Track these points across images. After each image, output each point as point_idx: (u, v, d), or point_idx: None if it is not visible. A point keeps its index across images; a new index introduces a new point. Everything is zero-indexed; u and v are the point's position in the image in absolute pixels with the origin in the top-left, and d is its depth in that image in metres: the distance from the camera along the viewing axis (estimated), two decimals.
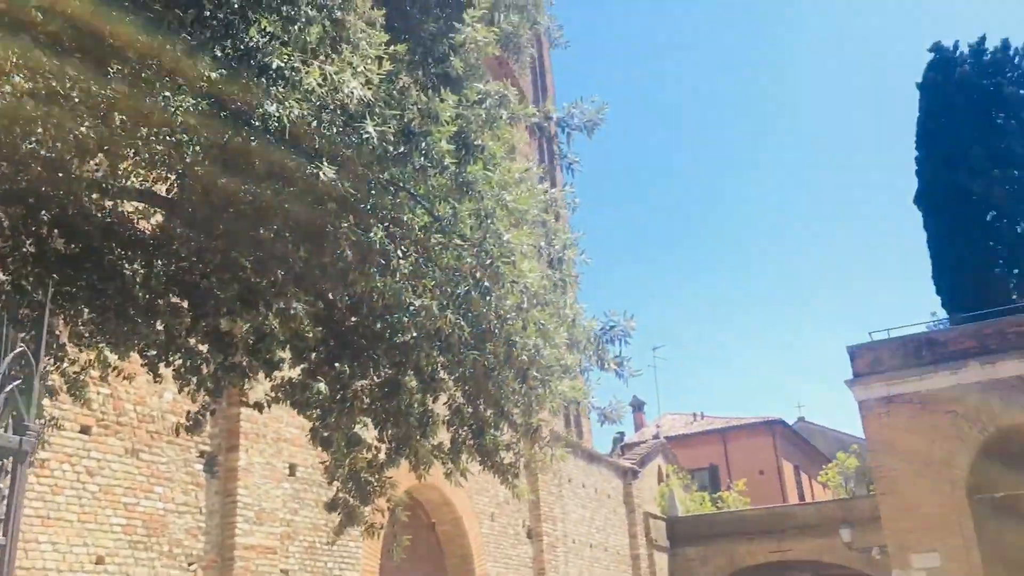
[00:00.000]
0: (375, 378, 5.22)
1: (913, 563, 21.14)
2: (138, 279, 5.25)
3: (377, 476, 6.40)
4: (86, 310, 5.36)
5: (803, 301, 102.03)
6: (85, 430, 9.42)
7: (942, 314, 28.47)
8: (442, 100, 5.00)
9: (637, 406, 53.41)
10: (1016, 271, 27.46)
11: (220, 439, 11.10)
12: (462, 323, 4.86)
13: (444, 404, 5.70)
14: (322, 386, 5.61)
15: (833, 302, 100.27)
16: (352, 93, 4.53)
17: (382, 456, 6.11)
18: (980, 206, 27.95)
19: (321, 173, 4.49)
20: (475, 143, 4.96)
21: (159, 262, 5.28)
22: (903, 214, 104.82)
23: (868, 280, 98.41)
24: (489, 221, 5.03)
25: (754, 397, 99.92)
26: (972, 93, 28.32)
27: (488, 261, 4.69)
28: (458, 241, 4.73)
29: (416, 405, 5.41)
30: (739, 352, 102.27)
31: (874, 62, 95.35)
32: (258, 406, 5.96)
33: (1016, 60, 28.83)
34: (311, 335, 5.47)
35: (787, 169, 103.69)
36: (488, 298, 4.71)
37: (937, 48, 29.67)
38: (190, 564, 10.43)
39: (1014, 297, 26.66)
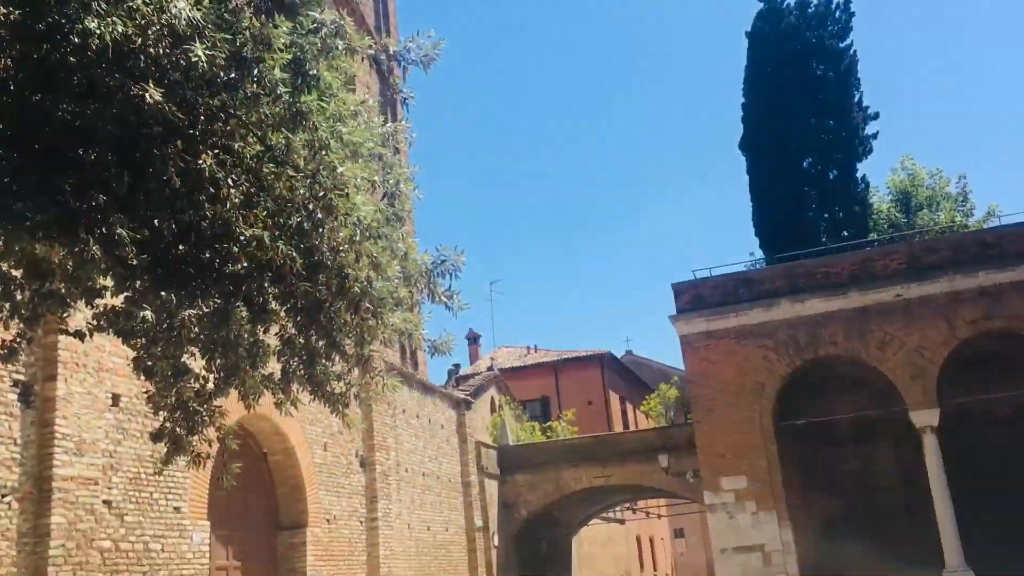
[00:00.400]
0: (204, 308, 5.14)
1: (723, 485, 22.75)
2: None
3: (205, 406, 6.34)
4: None
5: (634, 240, 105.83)
6: None
7: (761, 255, 30.34)
8: (276, 26, 4.91)
9: (473, 339, 54.31)
10: (827, 215, 29.46)
11: (36, 368, 10.60)
12: (294, 254, 4.86)
13: (275, 335, 5.70)
14: (148, 314, 5.47)
15: (663, 241, 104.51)
16: (180, 13, 4.39)
17: (210, 386, 6.05)
18: (798, 153, 29.66)
19: (147, 95, 4.35)
20: (310, 72, 4.90)
21: None
22: (733, 159, 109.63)
23: (696, 220, 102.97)
24: (323, 152, 5.01)
25: (586, 332, 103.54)
26: (796, 44, 29.82)
27: (321, 193, 4.69)
28: (291, 172, 4.70)
29: (246, 335, 5.38)
30: (573, 289, 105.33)
31: (709, 10, 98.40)
32: (79, 334, 5.76)
33: (837, 14, 30.48)
34: (135, 263, 5.32)
35: (624, 110, 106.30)
36: (320, 230, 4.73)
37: None
38: (3, 496, 10.01)
39: (824, 240, 28.62)
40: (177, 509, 12.72)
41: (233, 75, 4.93)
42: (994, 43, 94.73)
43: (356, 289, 4.92)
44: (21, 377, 10.39)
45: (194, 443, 6.26)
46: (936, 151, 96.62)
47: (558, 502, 29.05)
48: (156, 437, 6.35)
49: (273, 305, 5.20)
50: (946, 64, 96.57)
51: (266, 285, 4.90)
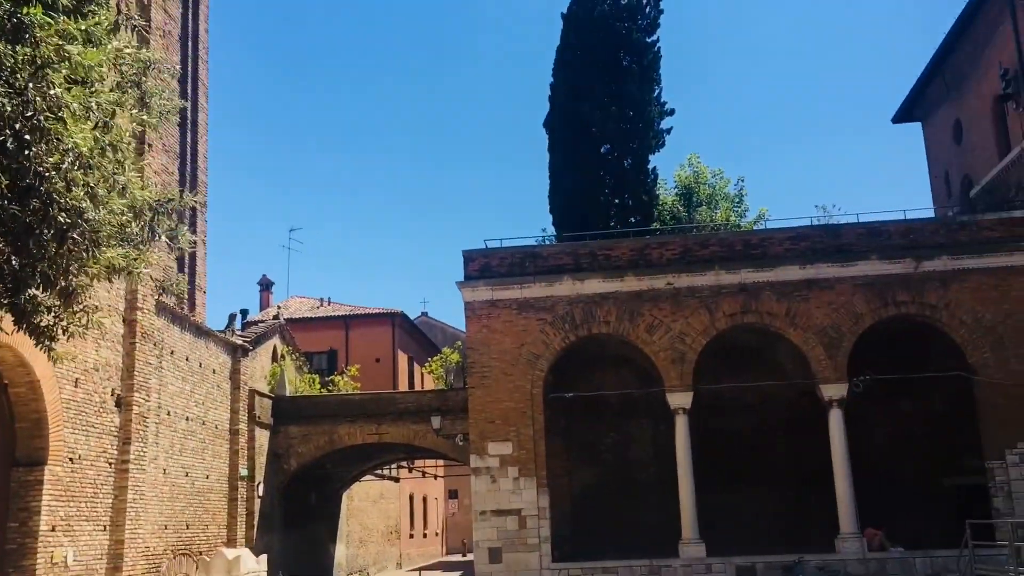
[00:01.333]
0: None
1: (489, 450, 23.44)
2: None
3: None
4: None
5: (442, 207, 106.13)
6: None
7: (553, 232, 31.28)
8: None
9: (265, 286, 52.97)
10: (617, 201, 30.74)
11: None
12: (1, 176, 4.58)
13: None
14: None
15: (466, 209, 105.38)
16: None
17: None
18: (598, 139, 30.71)
19: None
20: None
21: None
22: (539, 136, 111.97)
23: (500, 191, 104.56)
24: (45, 71, 4.73)
25: (383, 290, 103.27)
26: (606, 33, 30.77)
27: (30, 113, 4.43)
28: (2, 87, 4.42)
29: None
30: (375, 245, 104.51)
31: None
32: None
33: (647, 9, 31.68)
34: None
35: (440, 76, 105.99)
36: (27, 152, 4.47)
37: None
38: None
39: (613, 224, 29.89)
40: None
41: None
42: (784, 54, 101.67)
43: (60, 218, 4.70)
44: None
45: None
46: (720, 152, 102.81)
47: (331, 456, 28.95)
48: None
49: None
50: (738, 70, 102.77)
51: None
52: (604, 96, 30.22)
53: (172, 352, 20.85)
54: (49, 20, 4.72)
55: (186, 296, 24.40)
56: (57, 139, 4.54)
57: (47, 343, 5.71)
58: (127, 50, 5.62)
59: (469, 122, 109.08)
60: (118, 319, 17.99)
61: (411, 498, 49.57)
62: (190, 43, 25.47)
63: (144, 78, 7.56)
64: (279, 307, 42.35)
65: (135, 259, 5.70)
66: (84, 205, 4.82)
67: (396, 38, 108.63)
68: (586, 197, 30.00)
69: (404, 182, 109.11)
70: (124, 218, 5.16)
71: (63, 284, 5.37)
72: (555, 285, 23.95)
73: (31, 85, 4.39)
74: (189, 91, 25.31)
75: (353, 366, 39.07)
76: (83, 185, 4.76)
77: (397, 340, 48.82)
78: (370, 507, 40.26)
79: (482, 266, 24.61)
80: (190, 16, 25.75)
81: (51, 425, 15.48)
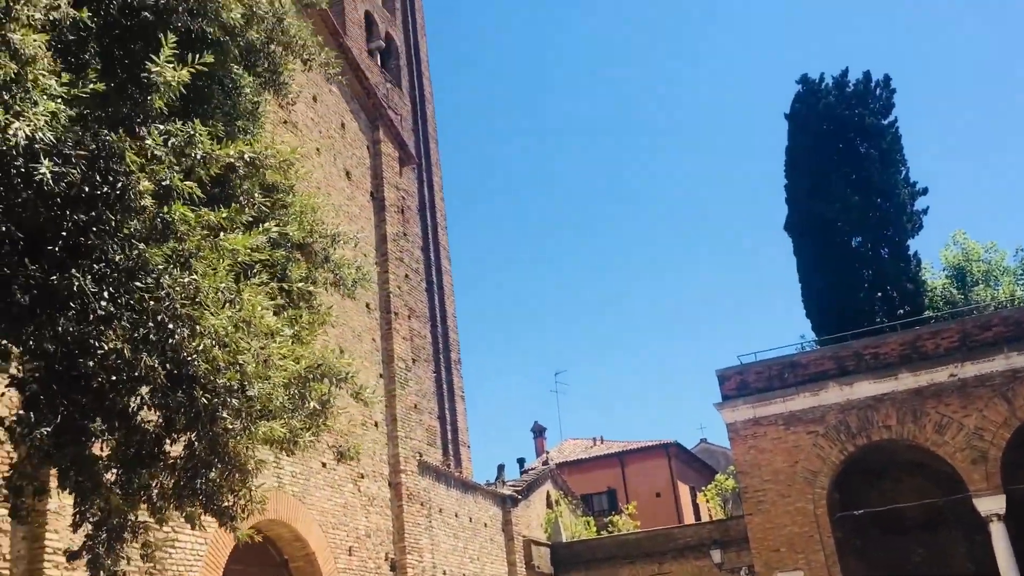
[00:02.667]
0: (56, 423, 5.09)
1: None
2: None
3: (125, 521, 6.21)
4: None
5: (695, 327, 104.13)
6: None
7: (813, 337, 29.42)
8: (136, 139, 4.95)
9: (538, 432, 53.72)
10: (879, 295, 28.51)
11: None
12: (156, 365, 4.79)
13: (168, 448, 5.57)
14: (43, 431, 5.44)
15: (729, 326, 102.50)
16: (16, 135, 4.44)
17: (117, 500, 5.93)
18: (845, 232, 28.96)
19: None
20: (172, 184, 4.91)
21: None
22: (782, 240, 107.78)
23: (754, 304, 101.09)
24: (191, 261, 4.98)
25: (659, 419, 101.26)
26: (835, 123, 29.46)
27: (167, 304, 4.64)
28: (141, 284, 4.68)
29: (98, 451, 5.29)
30: (639, 376, 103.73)
31: (747, 93, 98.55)
32: None
33: (877, 92, 30.09)
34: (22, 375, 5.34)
35: (673, 195, 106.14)
36: (171, 341, 4.66)
37: (803, 80, 30.78)
38: None
39: (878, 320, 27.66)
40: None
41: (104, 190, 4.97)
42: None
43: (205, 400, 4.83)
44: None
45: (108, 562, 6.10)
46: (990, 225, 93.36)
47: None
48: (72, 556, 6.24)
49: (148, 417, 5.11)
50: (995, 137, 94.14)
51: (126, 398, 4.83)
52: (845, 188, 28.63)
53: (440, 510, 21.27)
54: (189, 214, 4.94)
55: (452, 452, 25.10)
56: (195, 324, 4.70)
57: (230, 523, 5.79)
58: (273, 229, 5.84)
59: (706, 237, 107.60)
60: (384, 483, 18.67)
61: None
62: (428, 214, 27.19)
63: (332, 250, 7.91)
64: (548, 453, 42.56)
65: (303, 429, 5.75)
66: (228, 383, 4.91)
67: (623, 170, 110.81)
68: (843, 295, 28.10)
69: (653, 308, 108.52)
70: (275, 391, 5.22)
71: (231, 463, 5.47)
72: (821, 393, 22.28)
73: (168, 277, 4.60)
74: (432, 257, 26.87)
75: (631, 503, 38.12)
76: (227, 365, 4.86)
77: (675, 471, 47.33)
78: None
79: (739, 384, 23.45)
80: (425, 190, 27.62)
81: None
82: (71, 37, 5.35)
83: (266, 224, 5.74)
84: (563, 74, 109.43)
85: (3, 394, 5.35)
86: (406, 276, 23.94)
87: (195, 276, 4.78)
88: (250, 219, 5.45)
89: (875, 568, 24.16)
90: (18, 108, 4.56)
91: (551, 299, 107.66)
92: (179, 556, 12.70)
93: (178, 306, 4.68)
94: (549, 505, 31.75)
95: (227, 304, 4.85)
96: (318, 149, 18.94)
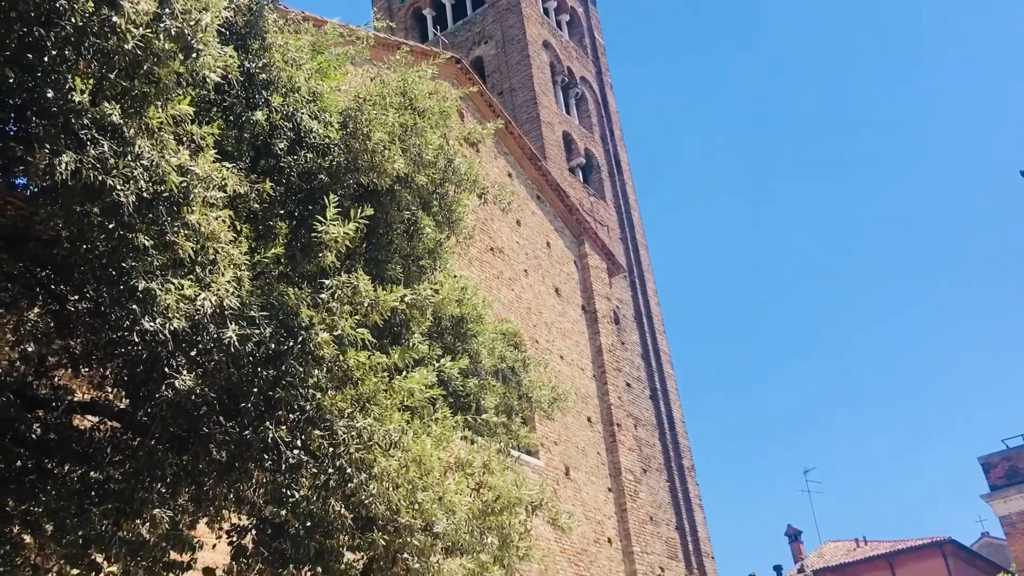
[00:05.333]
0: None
1: None
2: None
3: None
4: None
5: (964, 405, 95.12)
6: None
7: None
8: (311, 295, 5.29)
9: (793, 536, 50.54)
10: None
11: None
12: (343, 510, 4.97)
13: None
14: None
15: (995, 406, 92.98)
16: (204, 304, 4.86)
17: None
18: None
19: (177, 382, 4.80)
20: (344, 332, 5.18)
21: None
22: None
23: (1005, 379, 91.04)
24: (368, 405, 5.19)
25: (926, 516, 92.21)
26: None
27: (343, 449, 4.83)
28: (320, 432, 4.92)
29: None
30: (901, 468, 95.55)
31: None
32: None
33: None
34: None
35: (924, 269, 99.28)
36: (349, 485, 4.82)
37: None
38: None
39: None
40: None
41: (288, 344, 5.32)
42: None
43: (383, 541, 4.91)
44: None
45: None
46: None
47: None
48: None
49: (348, 561, 5.27)
50: None
51: (322, 541, 5.02)
52: None
53: None
54: (364, 360, 5.18)
55: (694, 564, 24.08)
56: (370, 468, 4.85)
57: None
58: (447, 365, 6.00)
59: (961, 314, 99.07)
60: None
61: None
62: (644, 321, 27.02)
63: (523, 375, 8.00)
64: (806, 559, 39.86)
65: (492, 563, 5.70)
66: (409, 523, 4.99)
67: (845, 255, 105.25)
68: None
69: (908, 391, 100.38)
70: (460, 526, 5.24)
71: None
72: None
73: (343, 422, 4.80)
74: (653, 363, 26.53)
75: None
76: (407, 505, 4.96)
77: (953, 571, 42.80)
78: None
79: (1007, 471, 21.12)
80: (640, 296, 27.56)
81: None
82: (255, 206, 5.86)
83: (441, 360, 5.91)
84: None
85: (215, 545, 5.70)
86: (627, 385, 23.73)
87: (368, 420, 4.96)
88: (418, 357, 5.61)
89: None
90: (205, 280, 5.00)
91: (790, 397, 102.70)
92: None
93: (353, 450, 4.86)
94: None
95: (393, 446, 4.98)
96: (526, 271, 19.46)
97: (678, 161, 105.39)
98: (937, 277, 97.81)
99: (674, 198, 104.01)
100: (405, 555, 5.02)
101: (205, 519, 5.88)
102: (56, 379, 6.14)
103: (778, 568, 37.81)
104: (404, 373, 5.58)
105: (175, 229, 4.77)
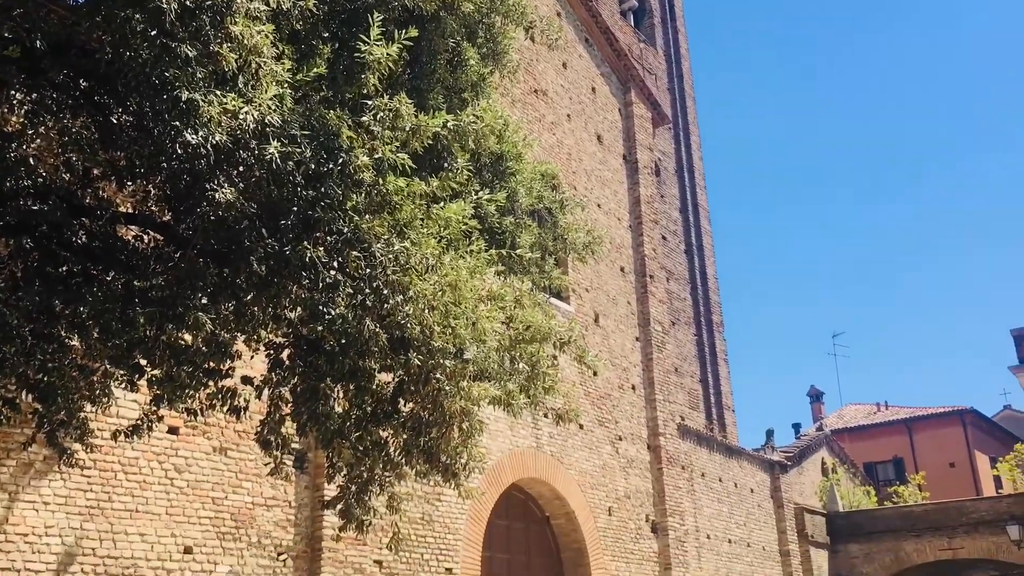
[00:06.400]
0: (298, 385, 5.54)
1: None
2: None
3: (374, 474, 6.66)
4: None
5: (999, 279, 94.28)
6: (173, 431, 10.30)
7: None
8: (354, 116, 5.25)
9: (815, 396, 51.41)
10: None
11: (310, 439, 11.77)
12: (378, 330, 5.09)
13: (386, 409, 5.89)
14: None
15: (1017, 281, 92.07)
16: (246, 118, 4.86)
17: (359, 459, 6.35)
18: None
19: (218, 194, 4.85)
20: (384, 156, 5.17)
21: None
22: None
23: None
24: (406, 230, 5.23)
25: (950, 385, 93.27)
26: None
27: (380, 271, 4.90)
28: (358, 254, 4.98)
29: (337, 408, 5.66)
30: (929, 337, 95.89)
31: None
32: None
33: None
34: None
35: (968, 148, 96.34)
36: (386, 306, 4.92)
37: None
38: (280, 555, 11.18)
39: None
40: (449, 570, 13.34)
41: (328, 167, 5.33)
42: None
43: (418, 361, 5.05)
44: (296, 446, 11.61)
45: (358, 511, 6.59)
46: None
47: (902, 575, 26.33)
48: (328, 505, 6.82)
49: (376, 380, 5.45)
50: None
51: (355, 360, 5.18)
52: None
53: (703, 474, 21.00)
54: (403, 185, 5.19)
55: (716, 417, 24.68)
56: (406, 290, 4.93)
57: (453, 479, 6.04)
58: (485, 198, 5.98)
59: (1008, 187, 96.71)
60: (642, 446, 18.73)
61: None
62: (686, 174, 26.68)
63: (559, 216, 7.99)
64: (825, 419, 40.69)
65: (519, 392, 5.87)
66: (443, 347, 5.11)
67: (902, 117, 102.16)
68: None
69: (944, 261, 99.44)
70: (490, 354, 5.37)
71: (450, 422, 5.69)
72: None
73: (381, 245, 4.86)
74: (691, 218, 26.38)
75: (919, 473, 35.63)
76: (441, 329, 5.07)
77: (972, 440, 43.61)
78: None
79: None
80: (683, 149, 27.10)
81: (591, 553, 16.38)
82: (298, 26, 5.75)
83: (479, 193, 5.90)
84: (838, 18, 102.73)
85: (252, 357, 5.90)
86: (663, 238, 23.69)
87: (405, 244, 5.01)
88: (459, 187, 5.59)
89: None
90: (248, 95, 4.97)
91: (825, 259, 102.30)
92: (445, 509, 13.50)
93: (390, 273, 4.94)
94: (824, 473, 30.42)
95: (429, 270, 5.04)
96: (569, 115, 19.13)
97: (735, 10, 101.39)
98: (984, 142, 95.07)
99: (728, 49, 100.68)
100: (437, 375, 5.17)
101: (243, 337, 6.08)
102: (100, 191, 6.23)
103: (796, 426, 38.52)
104: (442, 203, 5.60)
105: (218, 39, 4.71)
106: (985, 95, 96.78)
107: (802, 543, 24.44)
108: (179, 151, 5.02)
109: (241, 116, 4.87)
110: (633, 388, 18.92)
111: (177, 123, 4.99)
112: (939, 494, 34.47)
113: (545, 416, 15.61)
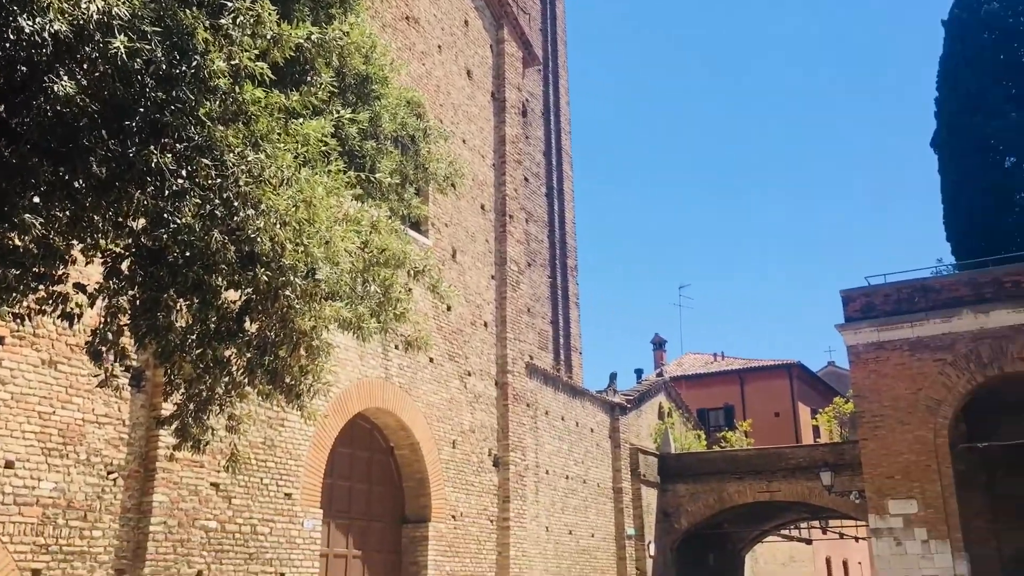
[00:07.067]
0: (139, 296, 5.30)
1: (890, 509, 21.10)
2: None
3: (215, 394, 6.49)
4: None
5: (826, 247, 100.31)
6: None
7: (952, 261, 27.87)
8: (211, 18, 4.98)
9: (658, 344, 53.41)
10: None
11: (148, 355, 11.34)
12: (227, 242, 4.92)
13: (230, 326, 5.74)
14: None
15: (861, 246, 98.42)
16: (90, 7, 4.53)
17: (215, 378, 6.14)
18: (999, 151, 27.02)
19: (56, 87, 4.53)
20: (242, 64, 4.94)
21: None
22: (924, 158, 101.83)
23: (890, 225, 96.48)
24: (261, 143, 5.04)
25: (786, 340, 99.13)
26: (998, 32, 27.17)
27: (232, 181, 4.72)
28: (208, 163, 4.77)
29: (179, 323, 5.47)
30: (767, 294, 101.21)
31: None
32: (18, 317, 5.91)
33: None
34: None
35: (814, 105, 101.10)
36: (236, 218, 4.76)
37: None
38: (110, 473, 10.80)
39: None
40: (288, 496, 13.25)
41: (181, 68, 5.05)
42: None
43: (265, 278, 4.92)
44: (134, 364, 11.16)
45: (195, 431, 6.42)
46: None
47: (723, 514, 28.03)
48: (163, 423, 6.61)
49: (223, 296, 5.27)
50: None
51: (200, 273, 4.98)
52: (1003, 102, 26.53)
53: (547, 413, 21.56)
54: (260, 96, 4.97)
55: (563, 358, 25.28)
56: (258, 202, 4.77)
57: (296, 401, 5.97)
58: (347, 117, 5.82)
59: (845, 152, 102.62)
60: (490, 383, 19.03)
61: (828, 562, 46.16)
62: (552, 117, 26.82)
63: (422, 145, 7.88)
64: (666, 366, 42.39)
65: (369, 315, 5.81)
66: (294, 264, 4.99)
67: (760, 75, 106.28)
68: (991, 219, 26.32)
69: (783, 224, 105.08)
70: (343, 276, 5.27)
71: (298, 342, 5.59)
72: (953, 320, 21.22)
73: (233, 155, 4.66)
74: (553, 161, 26.61)
75: (745, 421, 37.75)
76: (293, 246, 4.94)
77: (796, 392, 46.47)
78: (779, 570, 38.19)
79: (864, 306, 22.56)
80: (551, 92, 27.18)
81: (433, 484, 16.62)
82: None
83: (341, 113, 5.73)
84: None
85: (88, 264, 5.59)
86: (525, 180, 23.85)
87: (260, 156, 4.83)
88: (320, 104, 5.41)
89: (1001, 504, 23.19)
90: None
91: (677, 212, 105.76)
92: (288, 434, 13.35)
93: (242, 184, 4.76)
94: (661, 416, 31.76)
95: (284, 184, 4.88)
96: (439, 46, 18.84)
97: None
98: (829, 104, 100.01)
99: None
100: (287, 292, 5.05)
101: (80, 246, 5.72)
102: None
103: (639, 371, 40.02)
104: (301, 120, 5.41)
105: None
106: (839, 39, 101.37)
107: (634, 481, 25.58)
108: (12, 38, 4.65)
109: (84, 5, 4.54)
110: (485, 325, 19.13)
111: (14, 7, 4.62)
112: (763, 441, 36.72)
113: (396, 348, 15.61)
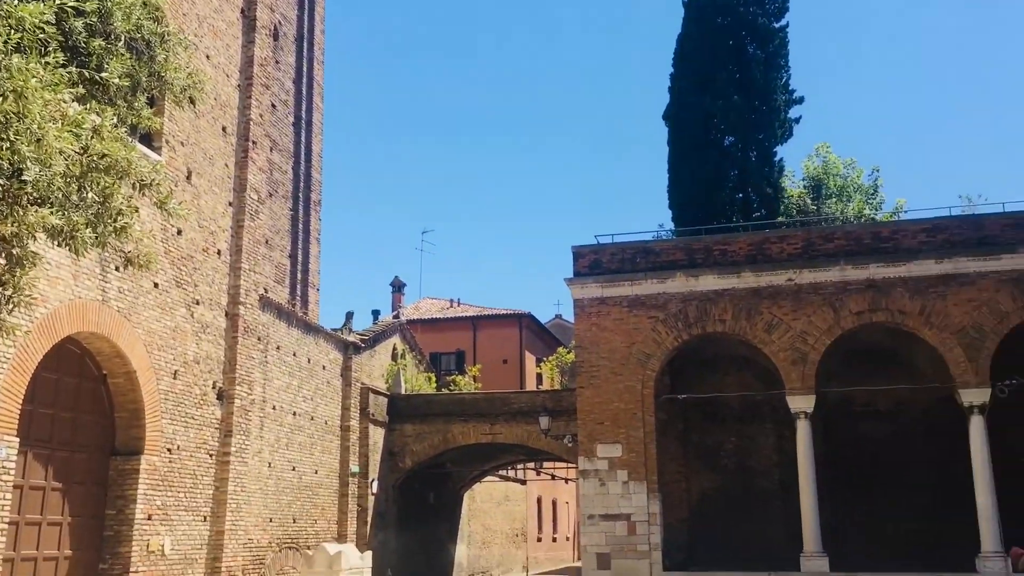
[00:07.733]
0: None
1: (598, 452, 22.64)
2: None
3: None
4: None
5: (569, 203, 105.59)
6: None
7: (672, 227, 30.16)
8: None
9: (397, 287, 53.75)
10: (740, 196, 29.28)
11: None
12: None
13: None
14: None
15: (595, 208, 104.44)
16: None
17: None
18: (720, 130, 29.39)
19: None
20: None
21: None
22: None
23: (622, 189, 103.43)
24: None
25: (519, 291, 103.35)
26: (730, 18, 29.40)
27: None
28: None
29: None
30: (504, 246, 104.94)
31: None
32: None
33: None
34: None
35: (558, 66, 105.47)
36: None
37: None
38: None
39: (735, 219, 28.48)
40: None
41: None
42: (921, 35, 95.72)
43: None
44: None
45: None
46: (854, 141, 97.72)
47: (447, 455, 28.90)
48: None
49: None
50: (875, 57, 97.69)
51: None
52: (728, 85, 28.89)
53: (278, 347, 21.11)
54: None
55: (300, 294, 24.78)
56: None
57: None
58: (70, 5, 5.27)
59: (589, 115, 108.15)
60: (220, 313, 18.29)
61: (539, 501, 49.07)
62: (305, 45, 25.89)
63: (158, 51, 7.32)
64: (403, 309, 42.77)
65: (84, 225, 5.34)
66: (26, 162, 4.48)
67: (507, 28, 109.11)
68: (707, 191, 28.73)
69: (526, 178, 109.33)
70: (55, 180, 4.80)
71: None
72: (667, 282, 22.95)
73: None
74: (304, 91, 25.76)
75: (475, 366, 39.01)
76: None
77: (524, 341, 48.60)
78: (494, 509, 40.03)
79: (592, 262, 23.87)
80: (305, 18, 26.20)
81: (148, 415, 15.79)
82: None
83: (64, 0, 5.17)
84: None
85: None
86: (272, 106, 22.92)
87: None
88: None
89: (691, 450, 25.65)
90: None
91: (426, 156, 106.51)
92: None
93: None
94: (394, 358, 32.07)
95: None
96: None
97: None
98: (577, 65, 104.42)
99: None
100: None
101: None
102: None
103: (376, 313, 40.09)
104: (16, 1, 4.83)
105: None
106: None
107: (363, 420, 25.74)
108: None
109: None
110: (219, 253, 18.32)
111: None
112: (491, 386, 38.13)
113: (117, 269, 14.59)
